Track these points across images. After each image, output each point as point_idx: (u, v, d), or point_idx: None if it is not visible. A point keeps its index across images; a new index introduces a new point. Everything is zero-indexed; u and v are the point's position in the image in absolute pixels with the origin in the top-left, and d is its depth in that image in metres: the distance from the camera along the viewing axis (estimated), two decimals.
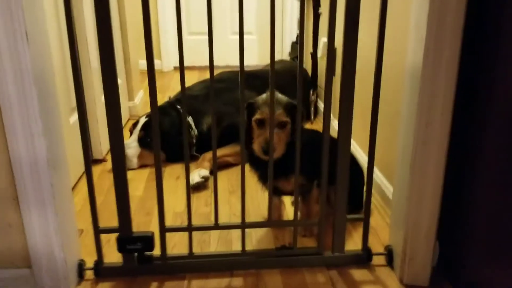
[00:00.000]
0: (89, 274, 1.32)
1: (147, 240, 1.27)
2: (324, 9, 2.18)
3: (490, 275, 1.11)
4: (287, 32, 4.30)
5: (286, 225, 1.56)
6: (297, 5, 4.20)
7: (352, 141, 2.06)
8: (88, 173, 1.24)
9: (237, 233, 1.49)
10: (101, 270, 1.31)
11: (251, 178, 1.69)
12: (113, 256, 1.37)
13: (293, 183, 1.33)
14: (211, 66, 1.20)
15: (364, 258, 1.36)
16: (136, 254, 1.31)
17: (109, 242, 1.47)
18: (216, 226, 1.32)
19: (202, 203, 1.78)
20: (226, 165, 2.11)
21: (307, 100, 2.42)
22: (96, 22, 1.12)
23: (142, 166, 2.12)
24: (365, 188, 1.36)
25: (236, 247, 1.41)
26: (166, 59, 4.36)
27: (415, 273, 1.28)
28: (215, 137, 1.27)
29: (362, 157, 1.89)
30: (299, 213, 1.52)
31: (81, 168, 2.02)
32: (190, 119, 2.20)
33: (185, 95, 1.25)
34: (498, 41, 1.05)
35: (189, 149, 2.14)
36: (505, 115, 1.03)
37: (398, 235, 1.30)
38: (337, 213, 1.32)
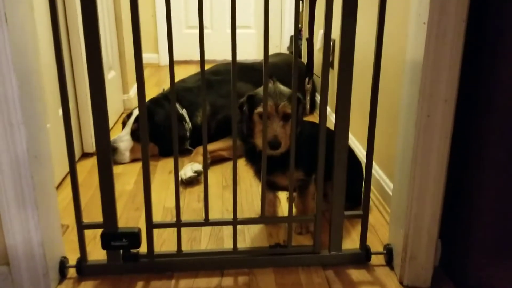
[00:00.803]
0: (72, 272, 1.26)
1: (133, 237, 1.20)
2: None
3: (495, 275, 1.05)
4: (286, 26, 4.23)
5: (280, 221, 1.49)
6: None
7: (351, 136, 2.00)
8: (72, 166, 1.17)
9: (229, 230, 1.42)
10: (84, 268, 1.25)
11: (246, 172, 1.63)
12: (99, 253, 1.30)
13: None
14: (202, 58, 1.13)
15: (362, 257, 1.30)
16: (121, 251, 1.24)
17: (95, 238, 1.41)
18: (206, 222, 1.25)
19: (194, 198, 1.72)
20: (221, 159, 2.04)
21: (302, 89, 2.35)
22: (82, 16, 1.05)
23: (134, 160, 2.05)
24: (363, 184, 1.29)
25: (228, 244, 1.35)
26: (164, 53, 4.29)
27: (416, 274, 1.21)
28: (206, 130, 1.20)
29: (360, 152, 1.83)
30: (294, 209, 1.46)
31: None
32: (184, 112, 2.13)
33: (173, 92, 1.19)
34: (504, 23, 0.98)
35: (183, 143, 2.08)
36: (511, 104, 0.96)
37: (398, 233, 1.23)
38: (334, 209, 1.25)
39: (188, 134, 2.11)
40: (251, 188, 1.78)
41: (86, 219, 1.26)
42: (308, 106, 1.26)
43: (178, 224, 1.24)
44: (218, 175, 1.92)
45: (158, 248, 1.38)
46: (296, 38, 1.15)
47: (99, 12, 2.24)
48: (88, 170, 1.94)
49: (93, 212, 1.59)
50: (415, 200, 1.15)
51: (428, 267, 1.20)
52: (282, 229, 1.48)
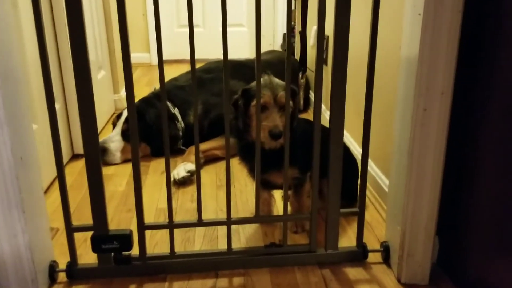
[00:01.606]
0: (62, 276, 1.23)
1: (124, 239, 1.17)
2: None
3: (493, 271, 1.02)
4: (279, 24, 4.20)
5: (275, 220, 1.46)
6: None
7: (346, 133, 1.98)
8: (59, 168, 1.14)
9: (224, 230, 1.39)
10: (75, 272, 1.21)
11: (241, 172, 1.60)
12: (91, 256, 1.27)
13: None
14: (192, 55, 1.10)
15: (359, 255, 1.27)
16: (113, 254, 1.21)
17: (87, 241, 1.37)
18: (200, 223, 1.22)
19: (188, 198, 1.68)
20: (214, 159, 2.01)
21: (295, 84, 2.32)
22: (67, 13, 1.02)
23: (126, 160, 2.01)
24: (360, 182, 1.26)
25: (223, 245, 1.32)
26: (155, 52, 4.24)
27: (413, 271, 1.18)
28: (197, 129, 1.17)
29: (356, 149, 1.80)
30: (290, 208, 1.44)
31: (63, 161, 1.92)
32: (176, 111, 2.10)
33: (164, 92, 1.16)
34: (502, 13, 0.96)
35: (175, 143, 2.05)
36: (509, 98, 0.94)
37: (395, 230, 1.20)
38: (330, 207, 1.23)
39: (180, 133, 2.08)
40: (245, 188, 1.75)
41: (77, 222, 1.23)
42: (301, 102, 1.23)
43: (171, 225, 1.21)
44: (212, 175, 1.89)
45: (151, 250, 1.35)
46: (289, 34, 1.12)
47: (88, 10, 2.22)
48: (78, 171, 1.90)
49: (84, 214, 1.56)
50: (412, 197, 1.13)
51: (425, 264, 1.18)
52: (278, 228, 1.45)
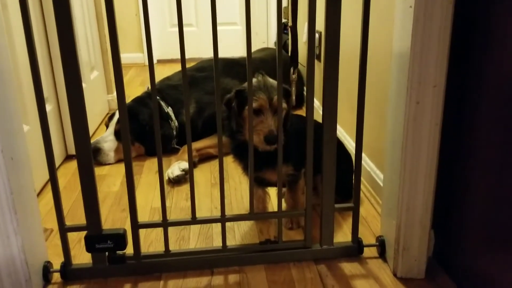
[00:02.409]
0: (57, 276, 1.22)
1: (118, 238, 1.16)
2: None
3: (489, 264, 1.02)
4: (272, 22, 4.19)
5: (269, 217, 1.46)
6: None
7: (340, 128, 1.97)
8: (51, 169, 1.12)
9: (219, 228, 1.38)
10: (69, 272, 1.20)
11: (235, 169, 1.60)
12: (86, 256, 1.26)
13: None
14: (182, 54, 1.10)
15: (354, 250, 1.27)
16: (107, 253, 1.20)
17: (81, 241, 1.36)
18: (194, 221, 1.21)
19: (182, 197, 1.68)
20: (209, 157, 2.00)
21: (288, 81, 2.29)
22: (55, 13, 1.01)
23: (120, 160, 2.00)
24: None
25: (218, 243, 1.31)
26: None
27: (409, 265, 1.18)
28: (189, 129, 1.16)
29: (350, 144, 1.80)
30: (285, 205, 1.43)
31: (57, 161, 1.91)
32: (170, 110, 2.09)
33: (154, 91, 1.15)
34: (493, 6, 0.95)
35: (170, 142, 2.04)
36: (501, 90, 0.94)
37: (390, 224, 1.20)
38: (324, 202, 1.22)
39: (174, 132, 2.07)
40: (240, 185, 1.75)
41: (71, 222, 1.22)
42: (293, 97, 1.22)
43: (165, 224, 1.20)
44: (207, 173, 1.88)
45: (146, 248, 1.34)
46: (280, 30, 1.11)
47: (79, 11, 2.20)
48: (72, 172, 1.88)
49: (78, 214, 1.55)
50: (406, 190, 1.13)
51: (421, 258, 1.18)
52: (273, 225, 1.45)
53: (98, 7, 2.56)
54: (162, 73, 3.50)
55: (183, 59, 1.11)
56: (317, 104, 2.13)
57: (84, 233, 1.17)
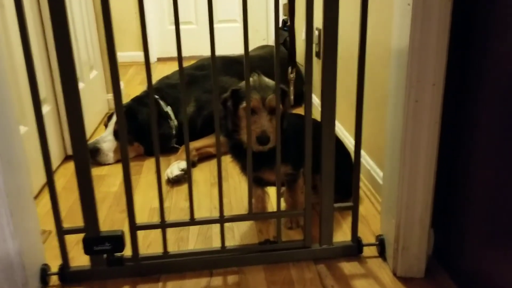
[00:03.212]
0: (55, 279, 1.21)
1: (116, 240, 1.16)
2: None
3: (489, 263, 1.01)
4: (273, 18, 4.17)
5: (268, 217, 1.45)
6: None
7: (340, 126, 1.96)
8: (48, 171, 1.12)
9: (218, 228, 1.37)
10: (67, 275, 1.20)
11: (235, 169, 1.59)
12: (84, 258, 1.25)
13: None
14: (179, 52, 1.09)
15: (354, 249, 1.26)
16: (105, 255, 1.19)
17: (79, 243, 1.35)
18: (192, 222, 1.21)
19: (182, 197, 1.67)
20: (208, 156, 1.99)
21: (286, 80, 2.28)
22: (50, 12, 1.00)
23: (119, 160, 1.99)
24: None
25: (217, 243, 1.30)
26: (149, 51, 4.23)
27: (409, 264, 1.17)
28: (187, 126, 1.16)
29: (350, 142, 1.79)
30: (284, 204, 1.42)
31: (55, 162, 1.91)
32: (169, 109, 2.08)
33: (152, 92, 1.14)
34: (493, 4, 0.94)
35: (169, 141, 2.03)
36: (501, 88, 0.92)
37: (389, 223, 1.19)
38: (324, 202, 1.21)
39: (174, 132, 2.06)
40: (239, 185, 1.74)
41: (70, 224, 1.21)
42: (292, 97, 1.21)
43: (163, 225, 1.19)
44: (206, 173, 1.87)
45: (145, 249, 1.33)
46: (277, 28, 1.10)
47: (78, 10, 2.19)
48: (71, 173, 1.88)
49: (77, 216, 1.53)
50: (406, 189, 1.12)
51: (421, 257, 1.17)
52: (272, 225, 1.44)
53: (97, 6, 2.55)
54: (162, 71, 3.50)
55: (180, 58, 1.10)
56: (318, 102, 2.12)
57: (82, 235, 1.17)
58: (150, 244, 1.36)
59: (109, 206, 1.61)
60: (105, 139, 1.98)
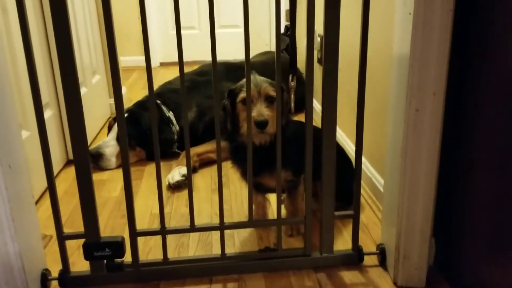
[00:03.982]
0: (55, 284, 1.21)
1: (116, 246, 1.16)
2: None
3: (490, 274, 1.01)
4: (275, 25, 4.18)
5: (268, 224, 1.45)
6: None
7: (342, 133, 1.96)
8: (49, 175, 1.12)
9: (218, 235, 1.37)
10: (67, 280, 1.20)
11: (235, 174, 1.59)
12: (85, 263, 1.25)
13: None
14: (180, 58, 1.09)
15: (354, 258, 1.26)
16: (105, 261, 1.19)
17: (80, 248, 1.35)
18: (192, 229, 1.21)
19: (182, 203, 1.67)
20: (209, 162, 2.00)
21: (287, 86, 2.29)
22: (52, 18, 1.00)
23: (121, 165, 1.99)
24: None
25: (218, 250, 1.30)
26: (151, 55, 4.23)
27: (409, 273, 1.17)
28: (187, 131, 1.16)
29: (352, 149, 1.79)
30: (285, 211, 1.42)
31: (57, 167, 1.91)
32: (171, 114, 2.08)
33: (152, 97, 1.14)
34: (493, 14, 0.94)
35: (170, 146, 2.03)
36: (501, 97, 0.92)
37: (390, 232, 1.19)
38: (324, 209, 1.21)
39: (175, 137, 2.06)
40: (240, 191, 1.74)
41: (71, 228, 1.22)
42: (292, 105, 1.22)
43: (163, 232, 1.19)
44: (207, 178, 1.87)
45: (145, 256, 1.33)
46: (278, 31, 1.11)
47: (81, 15, 2.20)
48: (73, 177, 1.88)
49: (78, 220, 1.53)
50: (406, 198, 1.11)
51: (422, 266, 1.16)
52: (273, 232, 1.44)
53: (100, 11, 2.56)
54: (164, 76, 3.50)
55: (181, 63, 1.10)
56: (319, 108, 2.12)
57: (83, 239, 1.17)
58: (150, 250, 1.36)
59: (110, 211, 1.61)
60: (107, 144, 1.99)
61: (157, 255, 1.32)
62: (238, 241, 1.40)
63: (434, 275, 1.19)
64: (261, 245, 1.37)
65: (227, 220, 1.22)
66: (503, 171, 0.94)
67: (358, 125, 1.16)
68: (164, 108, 2.08)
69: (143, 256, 1.32)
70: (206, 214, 1.58)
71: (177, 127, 2.08)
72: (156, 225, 1.51)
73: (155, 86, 2.69)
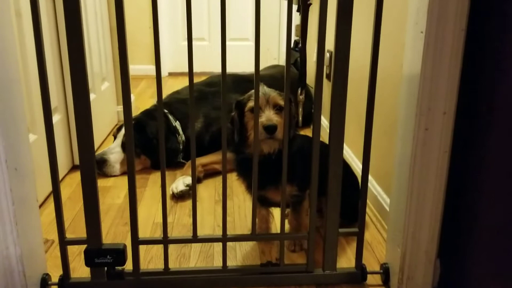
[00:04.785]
0: None
1: (117, 253, 1.15)
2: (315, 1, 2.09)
3: None
4: (285, 39, 4.21)
5: (271, 238, 1.43)
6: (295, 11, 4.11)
7: (348, 150, 1.95)
8: (54, 180, 1.12)
9: (220, 247, 1.36)
10: (67, 286, 1.19)
11: (240, 186, 1.58)
12: (85, 270, 1.25)
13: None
14: (190, 68, 1.09)
15: (357, 277, 1.24)
16: (106, 268, 1.18)
17: (81, 254, 1.35)
18: (195, 239, 1.20)
19: (185, 213, 1.66)
20: (214, 173, 1.99)
21: (295, 101, 2.28)
22: (66, 25, 1.01)
23: (125, 173, 1.99)
24: None
25: (219, 262, 1.29)
26: (162, 65, 4.26)
27: None
28: (194, 144, 1.16)
29: (358, 166, 1.78)
30: (288, 226, 1.41)
31: (63, 171, 1.91)
32: (177, 124, 2.09)
33: (161, 105, 1.14)
34: (505, 33, 0.94)
35: (176, 156, 2.03)
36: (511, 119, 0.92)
37: (395, 252, 1.17)
38: (328, 226, 1.20)
39: (181, 147, 2.06)
40: (244, 203, 1.73)
41: (73, 234, 1.21)
42: (300, 118, 1.22)
43: (165, 241, 1.18)
44: (211, 189, 1.87)
45: (146, 265, 1.32)
46: (288, 44, 1.11)
47: (93, 23, 2.23)
48: (77, 182, 1.88)
49: (81, 226, 1.54)
50: (413, 218, 1.10)
51: (426, 287, 1.14)
52: (275, 246, 1.42)
53: (112, 19, 2.59)
54: (173, 86, 3.52)
55: (190, 73, 1.11)
56: (327, 124, 2.12)
57: (85, 246, 1.16)
58: (151, 259, 1.35)
59: (112, 218, 1.61)
60: (112, 150, 1.99)
61: (158, 265, 1.31)
62: (240, 254, 1.39)
63: None
64: (263, 259, 1.36)
65: (229, 232, 1.21)
66: (510, 192, 0.92)
67: (365, 142, 1.16)
68: (171, 117, 2.08)
69: (144, 265, 1.31)
70: (209, 225, 1.57)
71: (183, 137, 2.08)
72: (158, 234, 1.50)
73: (163, 96, 2.69)
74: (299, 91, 1.26)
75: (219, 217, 1.62)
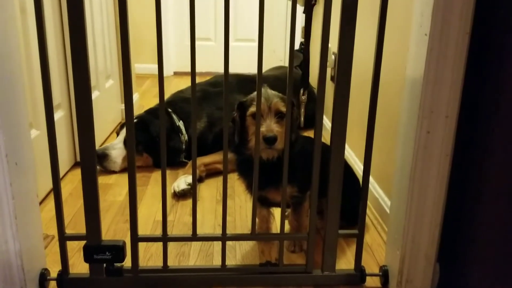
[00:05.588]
0: (53, 285, 1.20)
1: (116, 250, 1.15)
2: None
3: None
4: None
5: (271, 238, 1.43)
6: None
7: (349, 151, 1.95)
8: (55, 176, 1.12)
9: (220, 246, 1.36)
10: (65, 281, 1.19)
11: (241, 187, 1.58)
12: (84, 265, 1.24)
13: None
14: (193, 68, 1.09)
15: (356, 279, 1.23)
16: (104, 265, 1.18)
17: (81, 250, 1.35)
18: (194, 237, 1.20)
19: (186, 211, 1.66)
20: (216, 173, 1.99)
21: (296, 99, 2.28)
22: (69, 21, 1.02)
23: (126, 169, 1.99)
24: None
25: (218, 261, 1.28)
26: (166, 64, 4.28)
27: None
28: (195, 140, 1.16)
29: (360, 168, 1.77)
30: (288, 226, 1.41)
31: (65, 168, 1.92)
32: (181, 123, 2.09)
33: (162, 105, 1.14)
34: (509, 36, 0.94)
35: (178, 155, 2.04)
36: None
37: (394, 255, 1.17)
38: (328, 227, 1.19)
39: (183, 146, 2.06)
40: (245, 204, 1.73)
41: (74, 230, 1.21)
42: (302, 119, 1.21)
43: (165, 239, 1.18)
44: (213, 189, 1.87)
45: (145, 262, 1.32)
46: (292, 45, 1.11)
47: (99, 20, 2.23)
48: (79, 179, 1.85)
49: (81, 222, 1.54)
50: (413, 221, 1.10)
51: None
52: (275, 247, 1.42)
53: (118, 17, 2.59)
54: (178, 85, 3.53)
55: (193, 72, 1.11)
56: (329, 125, 2.11)
57: (84, 242, 1.16)
58: (150, 256, 1.35)
59: (113, 215, 1.61)
60: (114, 146, 1.99)
61: (157, 263, 1.31)
62: (239, 254, 1.39)
63: None
64: (262, 259, 1.35)
65: (229, 232, 1.21)
66: (511, 196, 0.92)
67: (367, 144, 1.15)
68: (174, 116, 2.08)
69: (143, 263, 1.31)
70: (209, 224, 1.57)
71: (186, 137, 2.08)
72: (158, 233, 1.50)
73: (167, 95, 2.70)
74: (301, 92, 1.25)
75: (220, 217, 1.61)
